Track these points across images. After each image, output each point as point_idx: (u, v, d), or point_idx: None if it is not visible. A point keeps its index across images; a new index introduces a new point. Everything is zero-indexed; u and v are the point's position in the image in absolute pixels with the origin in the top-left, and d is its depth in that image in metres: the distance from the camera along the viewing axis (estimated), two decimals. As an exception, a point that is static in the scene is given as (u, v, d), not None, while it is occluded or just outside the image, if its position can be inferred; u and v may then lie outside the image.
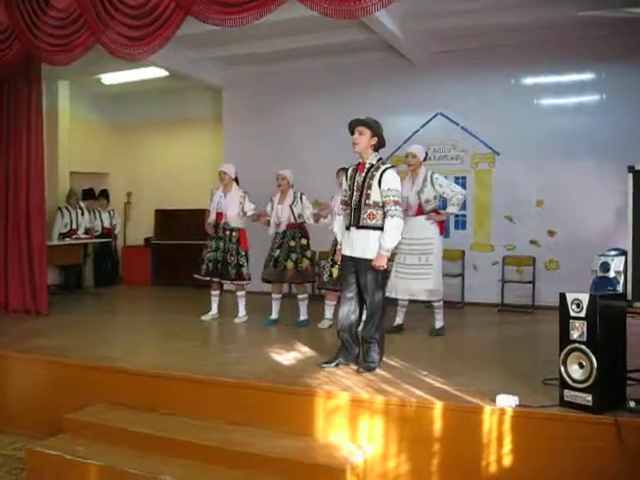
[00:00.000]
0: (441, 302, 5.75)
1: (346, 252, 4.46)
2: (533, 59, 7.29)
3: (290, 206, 6.17)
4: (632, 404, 3.34)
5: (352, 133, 4.40)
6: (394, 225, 4.27)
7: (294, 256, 6.16)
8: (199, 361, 4.70)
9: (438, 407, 3.58)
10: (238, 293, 6.48)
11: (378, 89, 7.95)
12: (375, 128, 4.36)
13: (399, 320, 5.90)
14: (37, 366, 4.83)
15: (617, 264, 3.98)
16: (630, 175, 3.64)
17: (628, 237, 3.65)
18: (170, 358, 4.79)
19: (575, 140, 7.14)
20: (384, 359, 4.51)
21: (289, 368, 4.51)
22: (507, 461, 3.41)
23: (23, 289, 6.90)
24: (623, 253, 3.94)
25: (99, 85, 9.24)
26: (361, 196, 4.35)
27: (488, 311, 7.20)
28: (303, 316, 6.27)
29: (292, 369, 4.47)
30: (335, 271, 5.72)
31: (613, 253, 4.12)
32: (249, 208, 6.34)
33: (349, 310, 4.45)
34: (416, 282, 5.60)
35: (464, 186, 7.25)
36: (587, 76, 7.27)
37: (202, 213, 6.94)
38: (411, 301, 5.85)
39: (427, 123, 7.90)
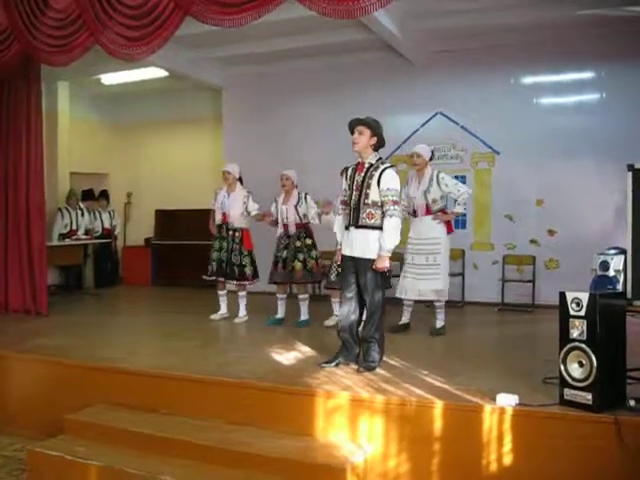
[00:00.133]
0: (443, 302, 5.75)
1: (346, 252, 4.46)
2: (532, 58, 7.29)
3: (295, 206, 6.16)
4: (632, 403, 3.34)
5: (352, 133, 4.40)
6: (393, 225, 4.27)
7: (301, 256, 6.16)
8: (199, 361, 4.69)
9: (438, 406, 3.58)
10: (239, 293, 6.48)
11: (377, 89, 7.95)
12: (375, 128, 4.36)
13: (405, 319, 5.90)
14: (37, 366, 4.83)
15: (617, 263, 3.99)
16: (629, 174, 3.64)
17: (627, 236, 3.64)
18: (170, 358, 4.79)
19: (575, 139, 7.14)
20: (384, 358, 4.51)
21: (289, 368, 4.51)
22: (507, 460, 3.41)
23: (23, 289, 6.90)
24: (623, 252, 3.94)
25: (99, 85, 9.24)
26: (360, 196, 4.35)
27: (488, 310, 7.20)
28: (304, 316, 6.27)
29: (292, 369, 4.47)
30: None
31: (613, 252, 4.12)
32: (253, 208, 6.33)
33: (349, 310, 4.45)
34: (424, 282, 5.61)
35: (464, 185, 7.25)
36: (587, 75, 7.27)
37: (202, 213, 6.95)
38: (416, 301, 5.86)
39: (427, 122, 7.90)
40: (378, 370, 4.32)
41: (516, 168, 7.43)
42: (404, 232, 5.06)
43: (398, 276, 5.92)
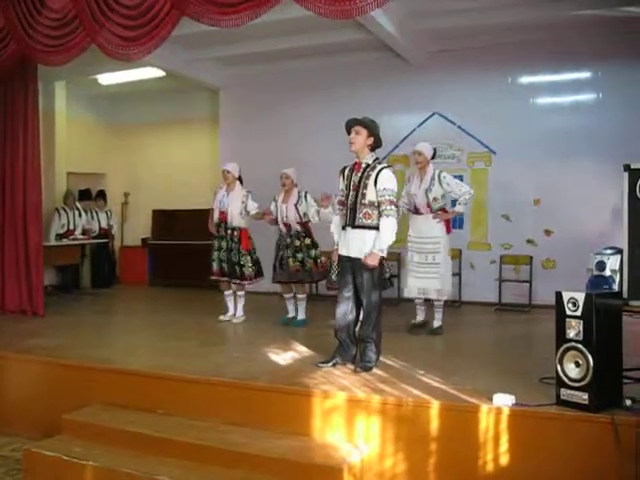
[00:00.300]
0: (442, 302, 5.76)
1: (343, 252, 4.46)
2: (529, 58, 7.30)
3: (295, 205, 6.15)
4: (628, 402, 3.34)
5: (349, 132, 4.40)
6: (389, 225, 4.27)
7: (300, 256, 6.16)
8: (196, 361, 4.69)
9: (435, 406, 3.58)
10: (238, 293, 6.47)
11: (374, 88, 7.95)
12: (372, 128, 4.36)
13: (420, 317, 5.94)
14: (34, 367, 4.82)
15: (613, 263, 4.00)
16: (626, 174, 3.63)
17: (624, 236, 3.64)
18: (167, 358, 4.79)
19: (572, 139, 7.15)
20: (381, 358, 4.51)
21: (286, 368, 4.51)
22: (504, 460, 3.41)
23: (20, 290, 6.88)
24: (619, 252, 3.94)
25: (96, 85, 9.23)
26: (357, 196, 4.35)
27: (485, 310, 7.21)
28: (301, 316, 6.27)
29: (289, 369, 4.47)
30: None
31: (609, 252, 4.13)
32: (252, 207, 6.31)
33: (346, 310, 4.45)
34: (425, 280, 5.64)
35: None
36: (584, 75, 7.28)
37: (200, 213, 6.94)
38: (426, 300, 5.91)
39: (424, 122, 7.91)
40: (375, 370, 4.32)
41: (513, 168, 7.43)
42: (403, 230, 5.07)
43: (396, 276, 5.92)
